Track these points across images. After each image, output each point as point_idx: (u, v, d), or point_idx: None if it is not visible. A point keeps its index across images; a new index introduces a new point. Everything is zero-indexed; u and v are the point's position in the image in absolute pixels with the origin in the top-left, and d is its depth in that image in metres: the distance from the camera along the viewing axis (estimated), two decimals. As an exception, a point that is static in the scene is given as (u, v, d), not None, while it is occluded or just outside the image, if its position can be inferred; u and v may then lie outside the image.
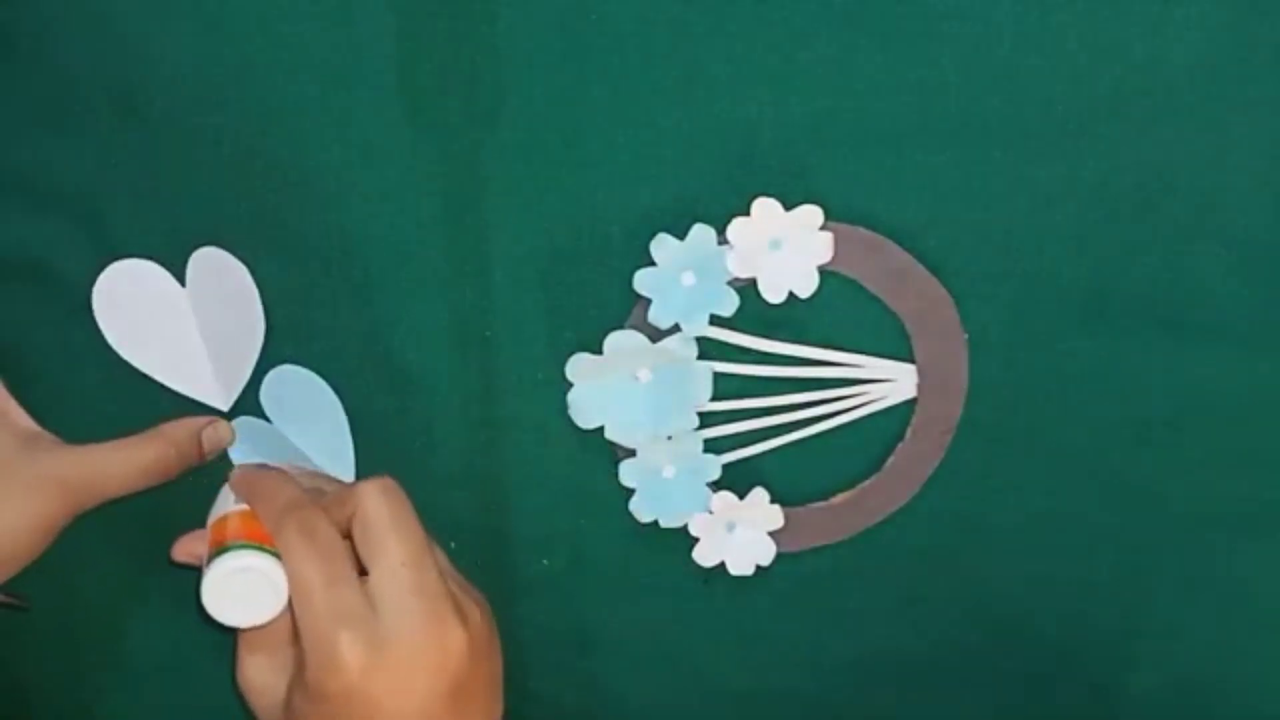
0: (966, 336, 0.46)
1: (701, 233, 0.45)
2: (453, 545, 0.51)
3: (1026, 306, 0.45)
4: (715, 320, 0.46)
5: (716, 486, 0.49)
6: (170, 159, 0.46)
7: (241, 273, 0.47)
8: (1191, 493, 0.47)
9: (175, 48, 0.45)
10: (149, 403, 0.49)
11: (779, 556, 0.49)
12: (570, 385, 0.47)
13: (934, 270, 0.45)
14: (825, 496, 0.49)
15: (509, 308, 0.47)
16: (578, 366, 0.47)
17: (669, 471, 0.48)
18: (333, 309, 0.47)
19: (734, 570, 0.50)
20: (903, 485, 0.49)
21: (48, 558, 0.52)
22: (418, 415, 0.48)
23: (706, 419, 0.48)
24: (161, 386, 0.49)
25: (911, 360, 0.47)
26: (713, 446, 0.48)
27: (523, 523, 0.50)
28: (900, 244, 0.45)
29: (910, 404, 0.47)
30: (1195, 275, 0.44)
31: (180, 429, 0.48)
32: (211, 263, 0.47)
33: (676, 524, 0.49)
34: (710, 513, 0.49)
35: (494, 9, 0.43)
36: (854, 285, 0.46)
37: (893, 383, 0.47)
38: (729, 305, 0.46)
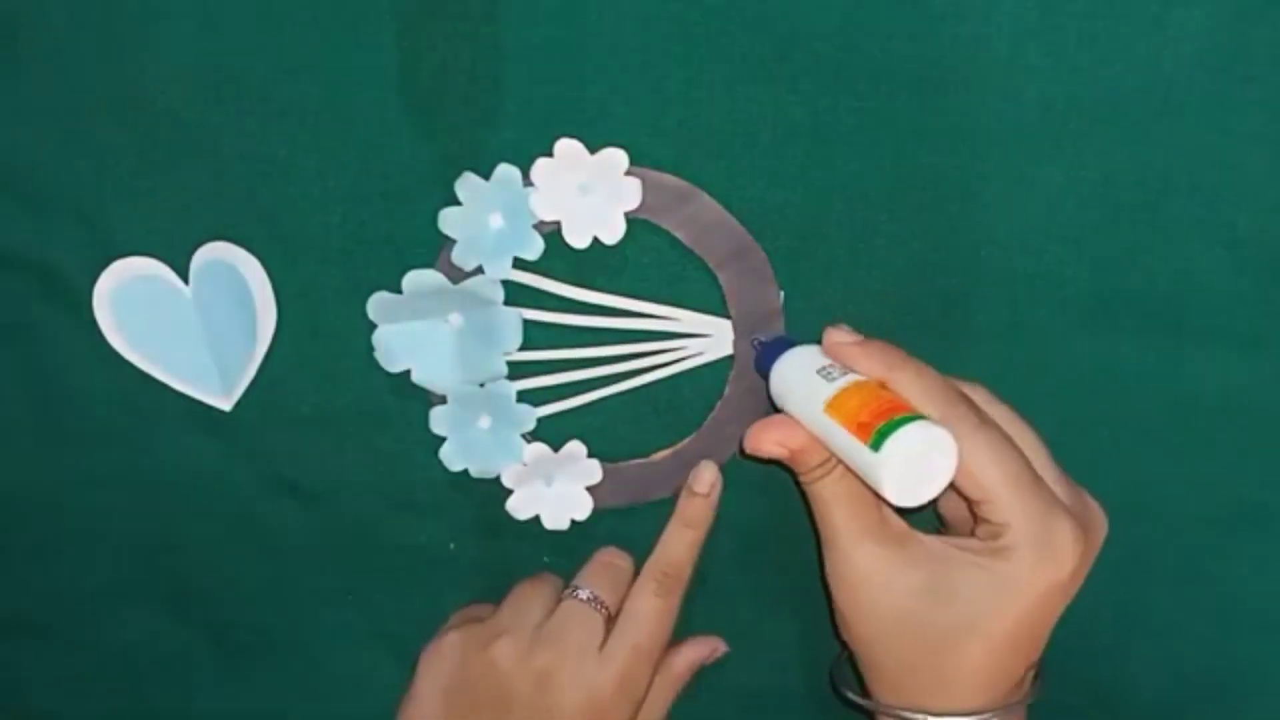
0: (782, 294, 0.46)
1: (506, 172, 0.45)
2: (452, 546, 0.51)
3: (1026, 306, 0.45)
4: (523, 265, 0.46)
5: (532, 439, 0.49)
6: (170, 159, 0.46)
7: (246, 270, 0.47)
8: (1191, 492, 0.47)
9: (175, 48, 0.45)
10: (150, 402, 0.49)
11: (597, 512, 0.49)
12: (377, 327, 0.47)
13: (934, 269, 0.45)
14: (646, 453, 0.49)
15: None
16: (378, 306, 0.47)
17: (484, 422, 0.48)
18: (333, 308, 0.47)
19: (549, 524, 0.50)
20: (724, 443, 0.48)
21: (46, 558, 0.53)
22: (419, 414, 0.48)
23: (521, 369, 0.48)
24: (163, 386, 0.49)
25: (727, 316, 0.46)
26: (528, 398, 0.48)
27: (523, 521, 0.50)
28: (900, 246, 0.45)
29: (729, 360, 0.47)
30: (1195, 275, 0.44)
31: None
32: (216, 260, 0.47)
33: (489, 474, 0.49)
34: (524, 465, 0.49)
35: (494, 8, 0.43)
36: (668, 237, 0.45)
37: (710, 338, 0.47)
38: (534, 249, 0.45)
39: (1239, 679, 0.50)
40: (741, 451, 0.43)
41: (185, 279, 0.48)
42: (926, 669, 0.41)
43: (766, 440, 0.42)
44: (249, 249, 0.47)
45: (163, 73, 0.45)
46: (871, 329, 0.43)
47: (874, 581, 0.41)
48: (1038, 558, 0.39)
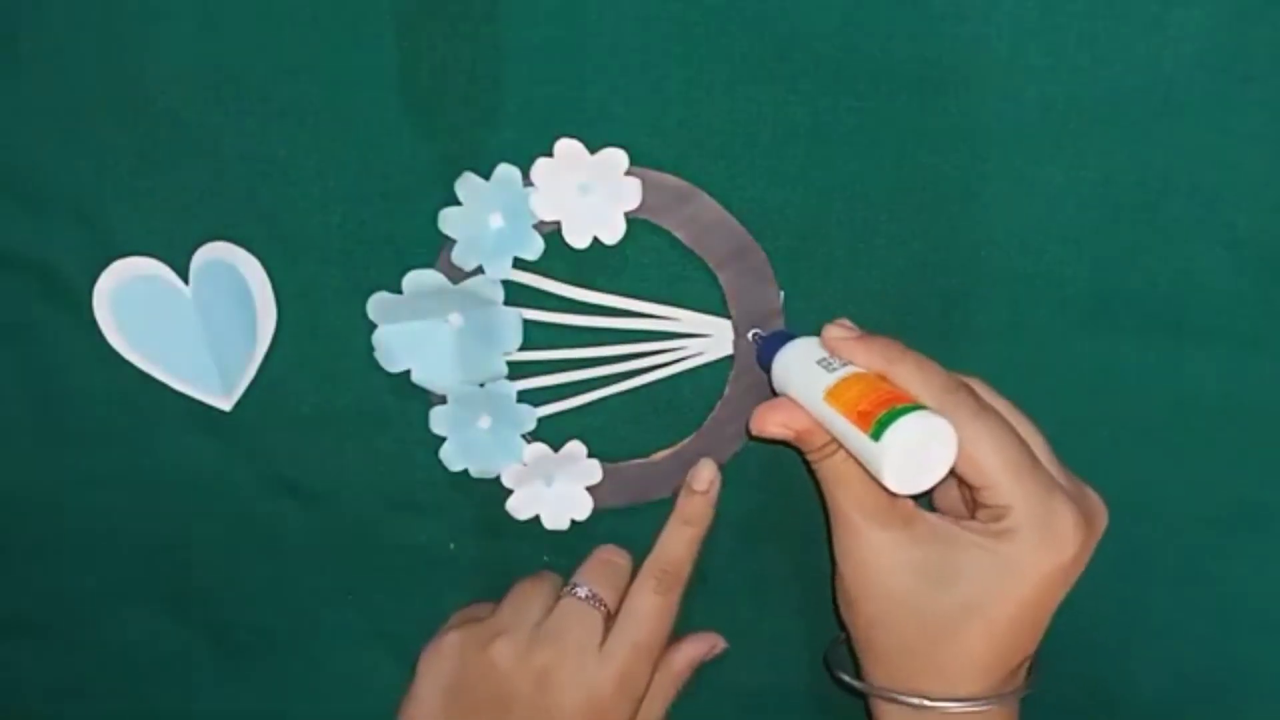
0: (782, 293, 0.46)
1: (506, 172, 0.44)
2: (452, 546, 0.51)
3: (1026, 306, 0.45)
4: (523, 265, 0.46)
5: (533, 439, 0.48)
6: (170, 159, 0.46)
7: (246, 270, 0.47)
8: (1191, 492, 0.47)
9: (175, 48, 0.45)
10: (150, 402, 0.49)
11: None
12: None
13: (934, 269, 0.45)
14: (646, 453, 0.49)
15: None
16: (378, 306, 0.46)
17: (484, 422, 0.48)
18: (333, 308, 0.47)
19: (549, 524, 0.50)
20: (724, 442, 0.48)
21: (46, 558, 0.52)
22: (419, 414, 0.48)
23: (521, 369, 0.48)
24: (163, 386, 0.49)
25: (727, 316, 0.47)
26: (528, 398, 0.48)
27: (523, 521, 0.50)
28: (900, 246, 0.45)
29: (729, 360, 0.47)
30: (1195, 275, 0.44)
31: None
32: (216, 260, 0.47)
33: (489, 474, 0.49)
34: (524, 465, 0.49)
35: (494, 8, 0.43)
36: (668, 236, 0.45)
37: (710, 338, 0.47)
38: (534, 249, 0.45)
39: (1239, 679, 0.50)
40: (749, 434, 0.43)
41: (185, 279, 0.48)
42: (926, 652, 0.41)
43: (770, 422, 0.42)
44: (249, 249, 0.47)
45: (163, 73, 0.45)
46: (872, 328, 0.43)
47: (880, 560, 0.41)
48: (1040, 539, 0.39)
